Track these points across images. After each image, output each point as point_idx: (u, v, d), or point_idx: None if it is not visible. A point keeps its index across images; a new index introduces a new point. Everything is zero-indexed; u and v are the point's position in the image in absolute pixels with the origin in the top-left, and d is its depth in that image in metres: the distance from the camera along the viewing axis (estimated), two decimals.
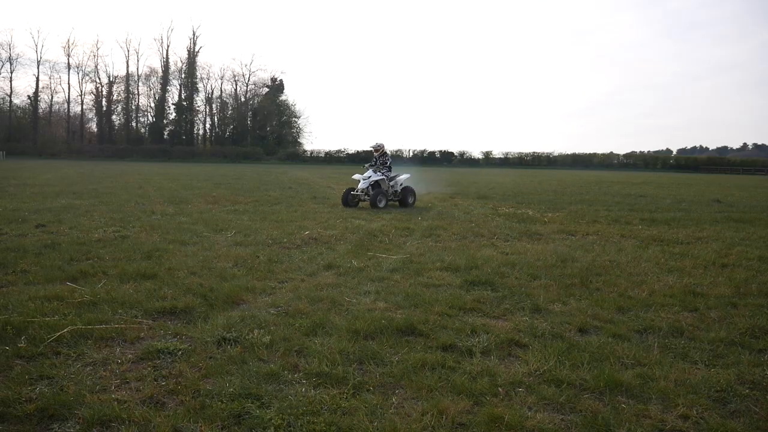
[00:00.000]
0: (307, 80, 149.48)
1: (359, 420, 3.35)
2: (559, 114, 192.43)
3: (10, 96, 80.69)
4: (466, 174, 46.82)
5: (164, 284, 6.25)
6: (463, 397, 3.68)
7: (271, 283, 6.51)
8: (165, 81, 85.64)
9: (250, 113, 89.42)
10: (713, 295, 6.34)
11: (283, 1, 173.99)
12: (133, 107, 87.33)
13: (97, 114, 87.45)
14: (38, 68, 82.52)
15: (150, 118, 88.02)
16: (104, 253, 7.95)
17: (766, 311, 5.70)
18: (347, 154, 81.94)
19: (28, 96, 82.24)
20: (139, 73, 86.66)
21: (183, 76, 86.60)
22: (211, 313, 5.31)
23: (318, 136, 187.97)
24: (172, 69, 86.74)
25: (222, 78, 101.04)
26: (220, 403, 3.52)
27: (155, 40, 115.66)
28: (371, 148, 15.86)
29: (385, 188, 15.20)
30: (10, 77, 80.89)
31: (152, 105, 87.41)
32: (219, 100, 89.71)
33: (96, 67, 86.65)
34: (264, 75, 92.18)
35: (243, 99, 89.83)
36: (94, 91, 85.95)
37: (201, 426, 3.27)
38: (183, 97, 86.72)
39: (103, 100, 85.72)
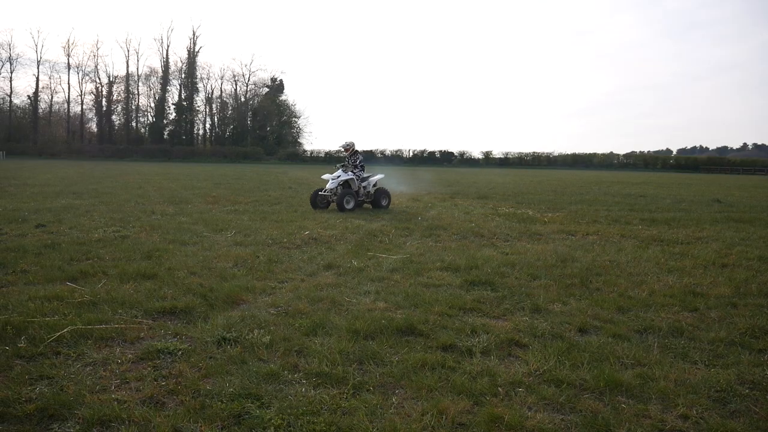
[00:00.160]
0: (307, 80, 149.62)
1: (359, 420, 3.35)
2: (559, 114, 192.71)
3: (10, 96, 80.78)
4: (466, 174, 46.82)
5: (164, 284, 6.25)
6: (463, 397, 3.68)
7: (271, 283, 6.51)
8: (165, 81, 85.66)
9: (250, 113, 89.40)
10: (713, 295, 6.34)
11: (283, 1, 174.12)
12: (133, 107, 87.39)
13: (97, 114, 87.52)
14: (38, 68, 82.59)
15: (150, 118, 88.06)
16: (104, 253, 7.96)
17: (766, 311, 5.70)
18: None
19: (28, 96, 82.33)
20: (139, 73, 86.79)
21: (183, 76, 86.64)
22: (211, 313, 5.32)
23: (318, 136, 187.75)
24: (172, 69, 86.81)
25: (222, 78, 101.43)
26: (220, 403, 3.52)
27: (155, 40, 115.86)
28: (340, 147, 15.23)
29: (355, 189, 14.45)
30: (10, 77, 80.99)
31: (152, 105, 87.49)
32: (219, 100, 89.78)
33: (96, 67, 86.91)
34: (264, 75, 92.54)
35: (243, 99, 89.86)
36: (94, 91, 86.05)
37: (201, 426, 3.27)
38: (183, 97, 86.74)
39: (103, 100, 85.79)
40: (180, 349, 4.35)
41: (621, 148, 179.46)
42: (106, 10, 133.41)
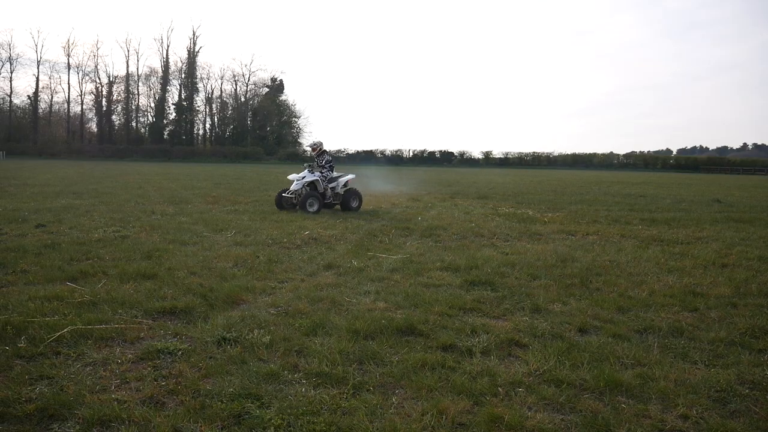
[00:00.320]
0: (307, 80, 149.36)
1: (359, 420, 3.35)
2: (559, 114, 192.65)
3: (10, 96, 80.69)
4: (466, 174, 46.82)
5: (164, 284, 6.25)
6: (463, 397, 3.68)
7: (271, 283, 6.51)
8: (165, 81, 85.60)
9: (250, 113, 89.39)
10: (713, 295, 6.34)
11: (283, 1, 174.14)
12: (133, 107, 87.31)
13: (97, 114, 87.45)
14: (38, 68, 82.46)
15: (150, 118, 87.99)
16: (104, 253, 7.96)
17: (766, 311, 5.70)
18: (347, 154, 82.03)
19: (28, 96, 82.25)
20: (139, 73, 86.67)
21: (183, 76, 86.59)
22: (211, 313, 5.32)
23: (318, 136, 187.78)
24: (172, 69, 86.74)
25: (222, 78, 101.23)
26: (220, 403, 3.52)
27: (155, 40, 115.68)
28: (308, 147, 14.70)
29: (320, 190, 13.87)
30: (10, 77, 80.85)
31: (152, 105, 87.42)
32: (219, 100, 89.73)
33: (96, 67, 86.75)
34: (264, 75, 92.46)
35: (243, 99, 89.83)
36: (94, 91, 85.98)
37: (201, 426, 3.27)
38: (183, 97, 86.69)
39: (103, 100, 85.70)
40: (180, 349, 4.36)
41: (621, 148, 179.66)
42: (106, 10, 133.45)
